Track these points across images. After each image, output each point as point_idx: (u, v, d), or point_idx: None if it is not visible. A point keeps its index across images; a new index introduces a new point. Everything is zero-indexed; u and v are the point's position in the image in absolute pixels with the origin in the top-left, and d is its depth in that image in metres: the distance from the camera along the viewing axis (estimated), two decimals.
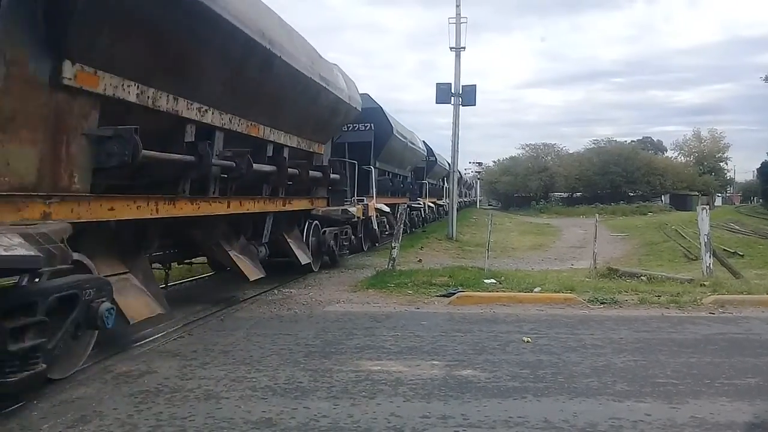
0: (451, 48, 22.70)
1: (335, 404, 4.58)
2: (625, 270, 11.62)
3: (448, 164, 27.42)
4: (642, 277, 10.80)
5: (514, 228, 33.19)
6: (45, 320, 4.39)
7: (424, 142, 26.20)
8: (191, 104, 6.84)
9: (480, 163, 74.51)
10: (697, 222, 11.35)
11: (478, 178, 71.50)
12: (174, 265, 9.25)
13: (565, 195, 70.85)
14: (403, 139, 20.21)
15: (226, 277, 10.52)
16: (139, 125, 5.55)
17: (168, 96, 6.36)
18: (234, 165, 7.74)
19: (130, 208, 5.99)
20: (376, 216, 16.66)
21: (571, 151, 75.12)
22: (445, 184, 32.49)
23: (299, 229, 11.43)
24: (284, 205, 10.08)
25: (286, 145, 9.92)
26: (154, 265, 7.77)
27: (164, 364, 5.58)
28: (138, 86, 5.81)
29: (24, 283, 4.36)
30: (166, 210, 6.58)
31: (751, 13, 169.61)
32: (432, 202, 30.41)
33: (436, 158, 29.58)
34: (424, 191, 27.80)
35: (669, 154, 79.98)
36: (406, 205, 14.90)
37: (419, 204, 25.64)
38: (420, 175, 26.94)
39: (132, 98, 5.76)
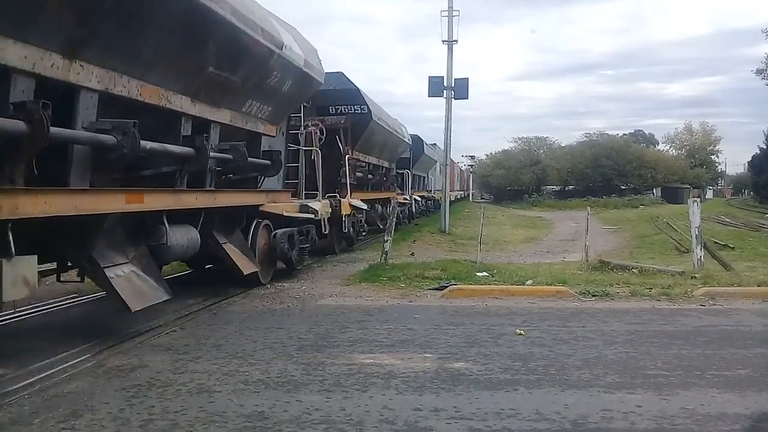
0: (443, 41, 22.60)
1: (328, 397, 4.59)
2: (616, 263, 11.64)
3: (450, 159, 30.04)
4: (633, 270, 10.81)
5: (507, 221, 33.26)
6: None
7: (438, 147, 33.56)
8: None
9: (473, 157, 74.59)
10: (689, 215, 11.41)
11: (471, 172, 71.54)
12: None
13: (557, 188, 70.83)
14: (428, 153, 29.67)
15: (221, 270, 10.45)
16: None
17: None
18: (372, 176, 17.42)
19: None
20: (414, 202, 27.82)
21: (563, 144, 75.25)
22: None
23: (383, 207, 19.12)
24: (389, 194, 19.60)
25: (384, 166, 20.29)
26: None
27: (156, 358, 5.57)
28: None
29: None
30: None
31: (741, 4, 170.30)
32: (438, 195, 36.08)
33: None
34: (433, 186, 34.95)
35: (660, 147, 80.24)
36: (397, 201, 18.27)
37: (431, 196, 33.88)
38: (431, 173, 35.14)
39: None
